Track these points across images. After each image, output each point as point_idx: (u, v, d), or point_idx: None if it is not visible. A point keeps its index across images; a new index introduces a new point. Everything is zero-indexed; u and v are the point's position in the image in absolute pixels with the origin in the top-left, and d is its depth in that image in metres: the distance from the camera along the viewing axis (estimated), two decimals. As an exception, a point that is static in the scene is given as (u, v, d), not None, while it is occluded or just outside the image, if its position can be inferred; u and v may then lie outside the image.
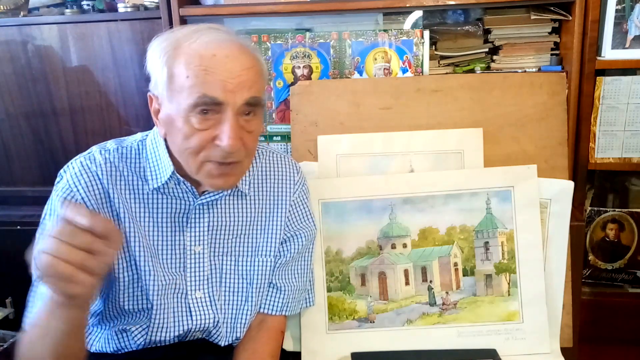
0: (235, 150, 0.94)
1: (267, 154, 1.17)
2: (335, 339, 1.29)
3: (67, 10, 1.68)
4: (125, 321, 1.06)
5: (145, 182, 1.04)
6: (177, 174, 1.01)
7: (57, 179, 1.04)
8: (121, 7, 1.64)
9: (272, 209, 1.14)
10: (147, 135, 1.08)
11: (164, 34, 0.98)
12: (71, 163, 1.04)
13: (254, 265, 1.11)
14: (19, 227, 1.70)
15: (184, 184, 1.02)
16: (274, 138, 1.59)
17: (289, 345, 1.30)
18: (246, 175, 1.10)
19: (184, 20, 1.50)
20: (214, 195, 1.05)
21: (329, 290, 1.30)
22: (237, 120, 0.94)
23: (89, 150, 1.05)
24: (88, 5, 1.74)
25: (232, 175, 0.99)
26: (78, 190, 0.99)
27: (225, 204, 1.09)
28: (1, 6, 1.69)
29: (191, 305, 1.06)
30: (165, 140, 1.01)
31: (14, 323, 1.70)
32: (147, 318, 1.05)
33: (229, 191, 1.08)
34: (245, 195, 1.11)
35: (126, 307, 1.04)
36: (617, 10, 1.40)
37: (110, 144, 1.07)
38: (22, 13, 1.71)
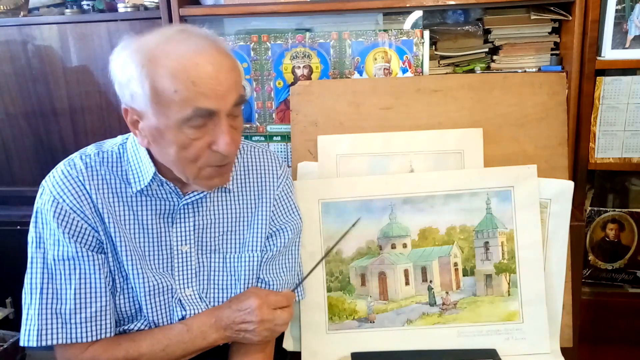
0: (232, 153, 0.96)
1: (249, 149, 1.17)
2: (335, 339, 1.29)
3: (67, 10, 1.68)
4: (122, 322, 1.06)
5: (128, 185, 1.03)
6: (159, 175, 1.01)
7: (40, 191, 1.02)
8: (121, 7, 1.64)
9: (257, 203, 1.14)
10: (127, 139, 1.07)
11: (131, 43, 0.94)
12: (52, 173, 1.03)
13: (241, 261, 1.11)
14: (19, 227, 1.70)
15: (167, 185, 1.02)
16: (274, 138, 1.59)
17: (289, 345, 1.30)
18: None
19: (184, 20, 1.50)
20: (198, 195, 1.05)
21: (329, 290, 1.30)
22: (229, 123, 0.94)
23: (68, 158, 1.04)
24: (88, 5, 1.74)
25: (227, 173, 1.02)
26: (64, 200, 0.98)
27: (210, 202, 1.09)
28: (1, 6, 1.69)
29: (182, 303, 1.06)
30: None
31: (14, 323, 1.70)
32: (140, 319, 1.05)
33: (214, 189, 1.08)
34: (230, 192, 1.11)
35: (121, 309, 1.05)
36: (617, 10, 1.40)
37: (91, 149, 1.06)
38: (22, 13, 1.71)
